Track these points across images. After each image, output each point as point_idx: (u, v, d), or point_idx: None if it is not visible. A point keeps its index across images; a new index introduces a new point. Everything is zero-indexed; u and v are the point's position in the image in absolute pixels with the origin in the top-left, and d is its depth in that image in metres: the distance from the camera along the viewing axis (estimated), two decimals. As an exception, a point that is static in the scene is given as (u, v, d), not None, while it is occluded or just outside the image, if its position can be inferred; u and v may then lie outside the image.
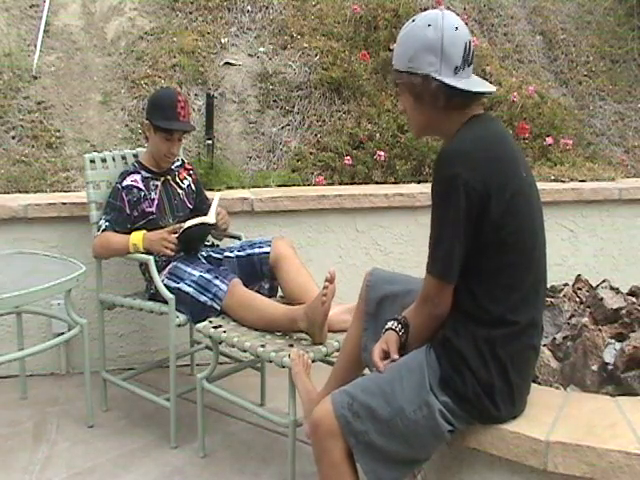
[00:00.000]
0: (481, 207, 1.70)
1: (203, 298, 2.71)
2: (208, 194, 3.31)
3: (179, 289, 2.77)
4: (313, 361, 2.38)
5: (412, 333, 1.88)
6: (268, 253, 2.90)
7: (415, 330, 1.87)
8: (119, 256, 2.96)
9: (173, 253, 2.83)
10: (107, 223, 2.92)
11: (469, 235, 1.72)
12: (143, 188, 2.98)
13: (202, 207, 3.17)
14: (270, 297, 2.84)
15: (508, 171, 1.77)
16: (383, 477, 1.85)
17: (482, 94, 1.82)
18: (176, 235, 2.82)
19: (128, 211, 2.94)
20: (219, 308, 2.69)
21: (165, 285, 2.79)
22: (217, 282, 2.72)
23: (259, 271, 2.90)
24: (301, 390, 2.27)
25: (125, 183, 2.96)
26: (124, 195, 2.94)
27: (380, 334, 1.96)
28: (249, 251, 2.94)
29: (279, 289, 2.93)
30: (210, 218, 2.90)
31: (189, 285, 2.76)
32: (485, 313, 1.77)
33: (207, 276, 2.75)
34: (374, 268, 2.22)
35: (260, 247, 2.93)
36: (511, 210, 1.74)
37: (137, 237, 2.85)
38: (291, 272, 2.85)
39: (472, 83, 1.80)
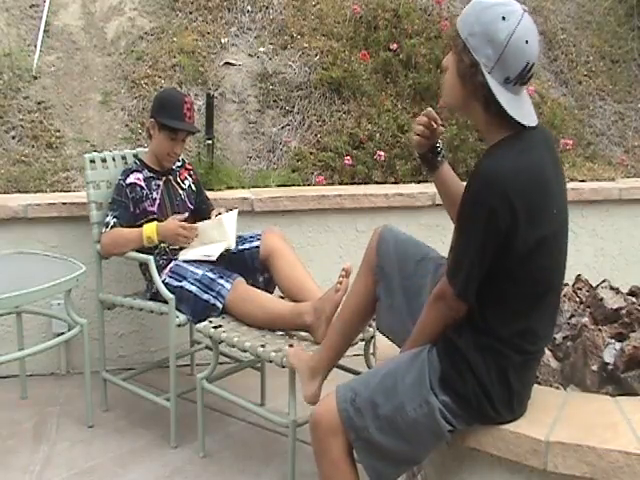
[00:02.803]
0: (507, 237, 1.67)
1: (206, 296, 2.71)
2: (209, 194, 3.31)
3: (182, 287, 2.76)
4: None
5: (420, 328, 1.87)
6: (258, 247, 2.88)
7: (424, 324, 1.85)
8: (125, 252, 2.91)
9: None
10: (115, 219, 2.92)
11: (491, 259, 1.69)
12: (145, 187, 2.98)
13: (202, 207, 3.17)
14: (267, 291, 2.83)
15: (542, 203, 1.71)
16: (382, 473, 1.85)
17: (516, 122, 1.70)
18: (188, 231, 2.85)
19: (132, 208, 2.94)
20: (221, 306, 2.69)
21: (167, 284, 2.79)
22: (221, 281, 2.71)
23: (251, 266, 2.88)
24: (296, 361, 2.24)
25: (129, 180, 2.96)
26: (128, 192, 2.94)
27: (392, 293, 2.00)
28: (239, 247, 2.91)
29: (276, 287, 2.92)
30: (231, 243, 2.87)
31: (192, 283, 2.75)
32: (493, 333, 1.76)
33: (211, 275, 2.74)
34: (386, 225, 2.15)
35: (250, 241, 2.92)
36: (539, 247, 1.70)
37: (150, 229, 2.85)
38: (285, 268, 2.83)
39: (516, 106, 1.70)
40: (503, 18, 1.64)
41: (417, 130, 1.99)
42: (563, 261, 1.83)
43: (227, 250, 2.88)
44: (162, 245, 2.93)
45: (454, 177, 2.04)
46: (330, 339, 2.16)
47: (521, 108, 1.72)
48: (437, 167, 2.03)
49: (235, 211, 2.98)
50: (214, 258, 2.81)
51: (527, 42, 1.65)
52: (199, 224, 2.92)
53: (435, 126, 1.99)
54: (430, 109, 1.96)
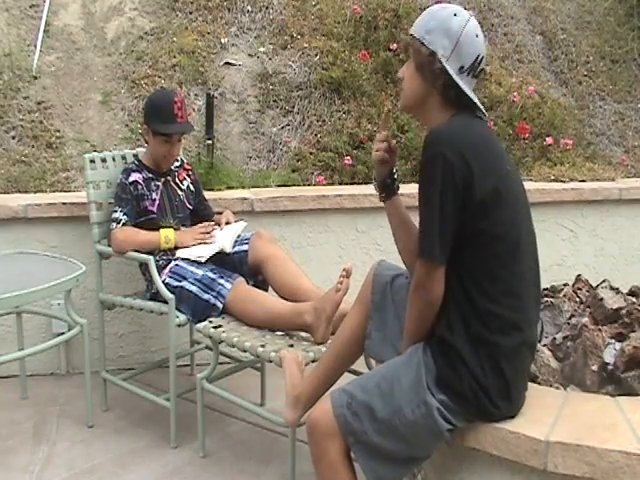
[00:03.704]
0: (465, 188, 1.72)
1: (206, 296, 2.71)
2: (209, 194, 3.31)
3: (182, 287, 2.76)
4: (313, 361, 2.38)
5: (408, 326, 1.88)
6: (246, 251, 2.89)
7: (411, 321, 1.87)
8: (139, 250, 2.91)
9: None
10: (125, 216, 2.92)
11: (455, 215, 1.73)
12: (145, 188, 2.98)
13: (200, 208, 3.17)
14: None
15: (492, 159, 1.80)
16: (383, 476, 1.85)
17: (473, 104, 1.85)
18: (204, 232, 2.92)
19: (136, 205, 2.95)
20: (222, 306, 2.69)
21: (167, 284, 2.79)
22: (222, 281, 2.72)
23: (240, 269, 2.87)
24: (287, 376, 2.25)
25: (131, 179, 2.97)
26: (132, 189, 2.95)
27: (385, 324, 2.02)
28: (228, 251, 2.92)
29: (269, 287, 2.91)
30: (228, 248, 2.89)
31: (192, 284, 2.75)
32: (475, 307, 1.77)
33: (211, 275, 2.75)
34: (381, 260, 2.21)
35: (239, 245, 2.92)
36: (495, 198, 1.75)
37: (168, 229, 2.90)
38: (277, 273, 2.82)
39: (468, 91, 1.84)
40: (455, 14, 1.84)
41: (379, 147, 2.05)
42: (525, 220, 1.87)
43: (222, 251, 2.89)
44: None
45: (404, 207, 2.09)
46: (320, 368, 2.18)
47: (473, 96, 1.86)
48: (395, 193, 2.09)
49: (243, 224, 3.03)
50: (203, 260, 2.83)
51: (477, 36, 1.84)
52: (212, 247, 2.93)
53: (393, 149, 2.06)
54: (385, 133, 2.06)
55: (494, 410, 1.80)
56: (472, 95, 1.84)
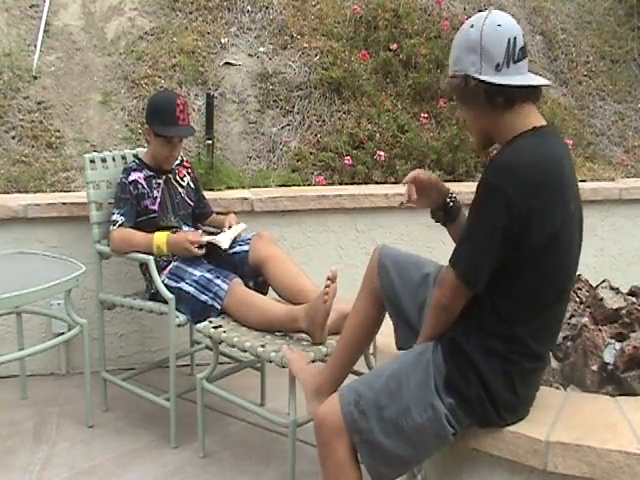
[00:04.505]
0: (521, 228, 1.66)
1: (204, 297, 2.71)
2: (209, 194, 3.31)
3: (180, 288, 2.77)
4: (313, 361, 2.38)
5: (426, 332, 1.87)
6: (247, 252, 2.88)
7: (429, 328, 1.85)
8: (132, 254, 2.90)
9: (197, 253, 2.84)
10: (123, 217, 2.92)
11: (502, 249, 1.68)
12: (146, 186, 2.98)
13: (200, 206, 3.17)
14: (261, 293, 2.82)
15: (558, 196, 1.72)
16: (384, 474, 1.85)
17: (526, 88, 1.73)
18: (199, 246, 2.82)
19: (135, 205, 2.95)
20: (220, 307, 2.69)
21: (166, 285, 2.79)
22: (218, 282, 2.72)
23: (240, 270, 2.86)
24: (299, 372, 2.22)
25: (131, 178, 2.97)
26: (132, 189, 2.95)
27: (402, 311, 2.01)
28: (229, 250, 2.90)
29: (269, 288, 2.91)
30: (225, 243, 2.87)
31: (190, 285, 2.76)
32: (505, 332, 1.75)
33: (208, 276, 2.75)
34: (383, 244, 2.15)
35: (240, 245, 2.92)
36: (551, 243, 1.70)
37: (161, 240, 2.84)
38: (279, 274, 2.81)
39: (517, 79, 1.72)
40: (471, 26, 1.75)
41: (406, 194, 1.95)
42: (575, 260, 1.83)
43: (219, 248, 2.87)
44: None
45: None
46: (335, 358, 2.15)
47: (523, 79, 1.74)
48: (455, 217, 2.01)
49: (243, 225, 3.01)
50: (226, 246, 2.82)
51: (500, 25, 1.73)
52: (207, 238, 2.91)
53: (433, 183, 1.97)
54: (415, 173, 1.94)
55: (497, 420, 1.79)
56: (518, 80, 1.71)
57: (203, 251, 2.83)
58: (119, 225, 2.90)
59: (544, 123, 1.80)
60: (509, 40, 1.72)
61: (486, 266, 1.70)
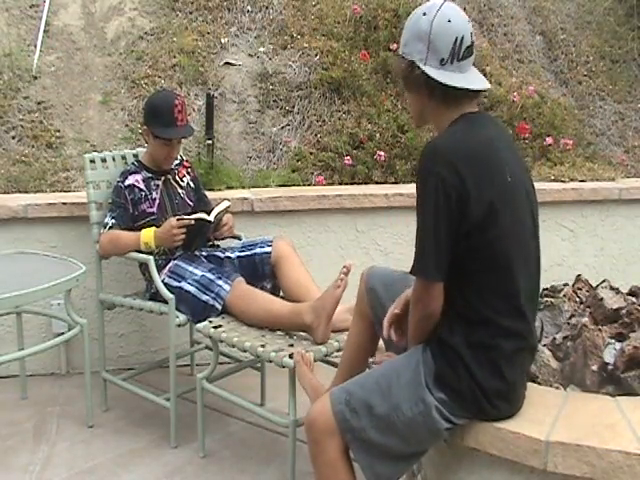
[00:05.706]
0: (460, 206, 1.70)
1: (205, 297, 2.71)
2: (209, 194, 3.30)
3: (180, 288, 2.76)
4: (314, 361, 2.38)
5: (410, 333, 1.88)
6: (269, 253, 2.89)
7: (411, 329, 1.87)
8: (124, 254, 2.91)
9: (182, 243, 2.82)
10: (113, 220, 2.92)
11: (450, 233, 1.71)
12: (144, 188, 2.98)
13: (200, 204, 3.17)
14: (275, 296, 2.83)
15: (492, 170, 1.76)
16: (380, 473, 1.85)
17: (468, 91, 1.79)
18: (182, 228, 2.79)
19: (131, 210, 2.94)
20: (220, 307, 2.69)
21: (166, 284, 2.79)
22: (220, 282, 2.71)
23: (260, 271, 2.89)
24: (308, 388, 2.26)
25: (127, 182, 2.96)
26: (127, 194, 2.94)
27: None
28: (250, 252, 2.94)
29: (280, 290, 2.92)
30: (209, 216, 2.87)
31: (191, 284, 2.75)
32: (475, 314, 1.78)
33: (210, 276, 2.74)
34: (370, 267, 2.24)
35: (261, 247, 2.93)
36: (493, 214, 1.73)
37: (148, 235, 2.83)
38: (291, 272, 2.85)
39: (458, 78, 1.78)
40: (424, 14, 1.78)
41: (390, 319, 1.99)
42: (527, 229, 1.83)
43: (208, 222, 2.85)
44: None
45: None
46: (340, 371, 2.24)
47: (465, 80, 1.79)
48: None
49: (227, 202, 3.01)
50: (210, 218, 2.83)
51: (450, 21, 1.77)
52: (192, 216, 2.88)
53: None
54: (391, 317, 1.97)
55: (492, 410, 1.81)
56: (458, 82, 1.76)
57: (183, 236, 2.80)
58: (109, 228, 2.91)
59: (476, 110, 1.85)
60: (456, 39, 1.77)
61: (442, 252, 1.72)
